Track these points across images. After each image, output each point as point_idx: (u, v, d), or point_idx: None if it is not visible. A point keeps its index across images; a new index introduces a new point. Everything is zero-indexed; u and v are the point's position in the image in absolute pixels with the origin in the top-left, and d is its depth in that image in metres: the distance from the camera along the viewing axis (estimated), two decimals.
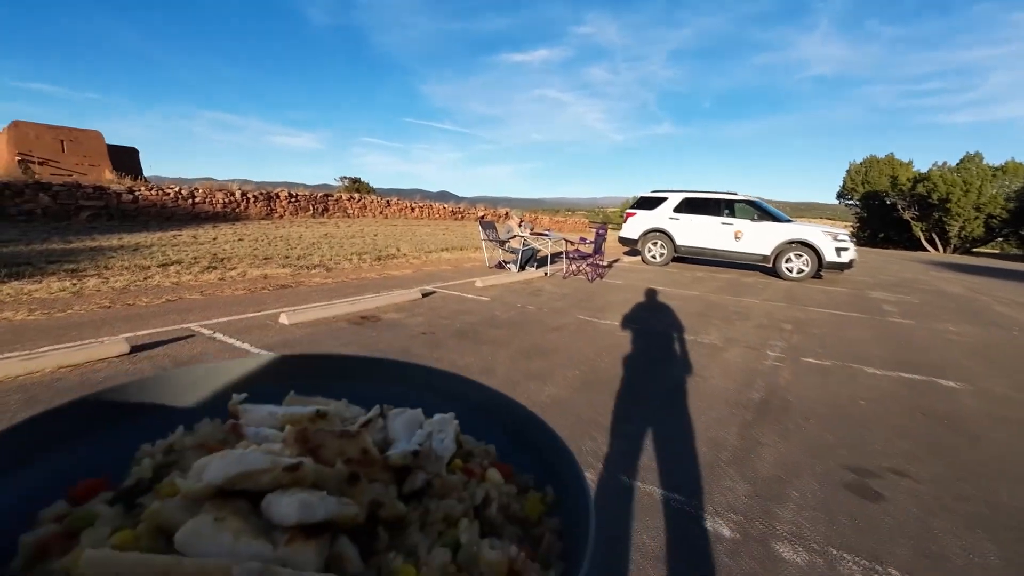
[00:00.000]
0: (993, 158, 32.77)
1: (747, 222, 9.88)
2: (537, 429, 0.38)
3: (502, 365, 3.32)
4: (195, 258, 7.06)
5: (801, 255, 9.25)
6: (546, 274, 7.83)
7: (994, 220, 32.84)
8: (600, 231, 7.70)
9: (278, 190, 15.01)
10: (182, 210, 12.13)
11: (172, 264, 6.46)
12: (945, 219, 33.47)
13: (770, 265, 9.73)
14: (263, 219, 13.99)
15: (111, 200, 10.94)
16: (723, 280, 8.71)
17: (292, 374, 0.44)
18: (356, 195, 18.12)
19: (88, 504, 0.27)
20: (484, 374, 3.14)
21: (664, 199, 11.01)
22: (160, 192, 11.74)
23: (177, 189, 12.14)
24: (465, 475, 0.31)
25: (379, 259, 8.56)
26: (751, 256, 9.88)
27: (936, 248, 35.95)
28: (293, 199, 15.36)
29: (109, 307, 4.28)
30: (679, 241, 10.63)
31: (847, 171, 48.49)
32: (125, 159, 21.67)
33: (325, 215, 16.42)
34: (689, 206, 10.65)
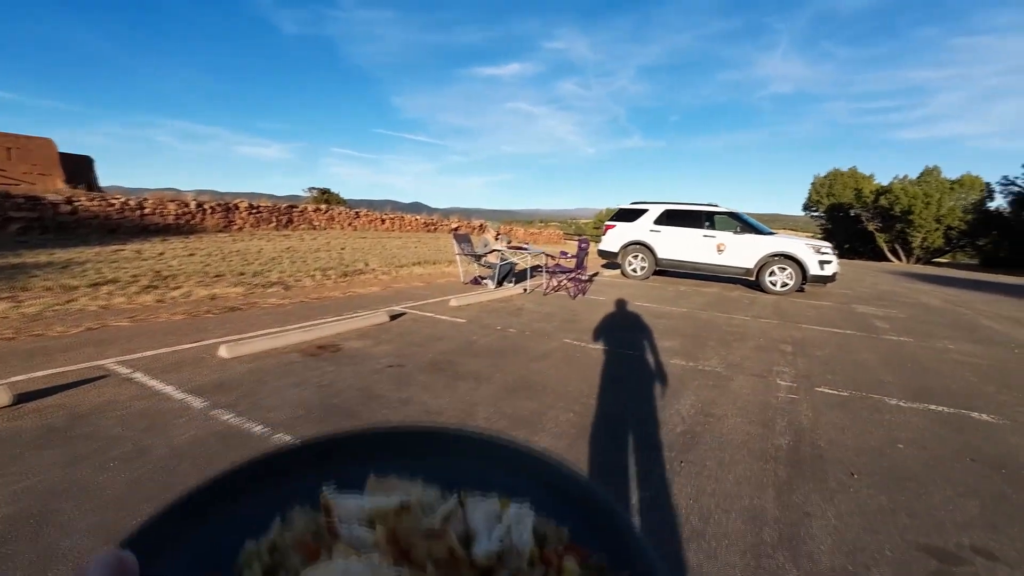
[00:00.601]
0: (945, 172, 34.27)
1: (729, 235, 9.68)
2: (598, 502, 0.37)
3: (483, 407, 2.83)
4: (134, 276, 6.33)
5: (785, 268, 9.08)
6: (525, 290, 7.38)
7: (953, 231, 34.24)
8: (582, 244, 7.32)
9: (237, 201, 14.17)
10: (129, 222, 11.22)
11: (105, 284, 5.73)
12: (908, 231, 34.72)
13: (753, 279, 9.53)
14: (220, 232, 13.14)
15: (46, 211, 9.99)
16: (708, 295, 8.43)
17: (362, 451, 0.42)
18: (323, 206, 17.36)
19: None
20: (463, 418, 2.64)
21: (644, 211, 10.75)
22: (103, 202, 10.83)
23: (123, 199, 11.23)
24: (542, 564, 0.30)
25: (345, 275, 7.96)
26: (734, 269, 9.67)
27: (899, 258, 37.22)
28: (254, 210, 14.54)
29: (12, 339, 3.60)
30: (660, 254, 10.36)
31: (812, 184, 50.11)
32: (79, 168, 20.31)
33: (289, 227, 15.62)
34: (670, 218, 10.42)
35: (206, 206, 13.07)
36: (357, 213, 19.05)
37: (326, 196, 29.81)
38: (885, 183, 40.02)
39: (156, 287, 5.85)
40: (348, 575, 0.26)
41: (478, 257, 7.92)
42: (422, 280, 8.21)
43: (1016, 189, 34.11)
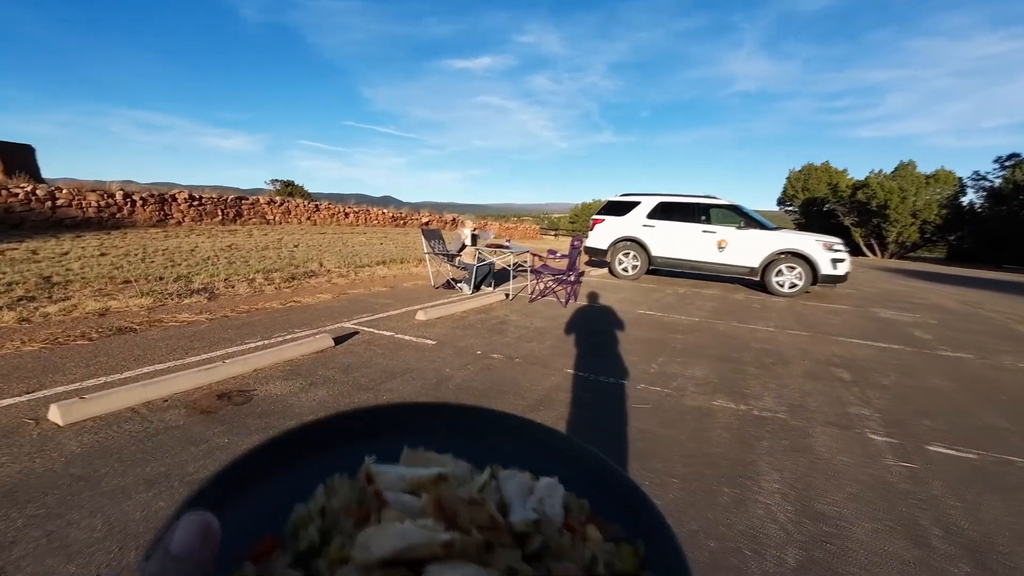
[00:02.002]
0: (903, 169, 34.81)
1: (732, 230, 8.83)
2: (615, 476, 0.39)
3: None
4: (10, 284, 5.00)
5: (794, 267, 8.29)
6: (508, 296, 6.33)
7: (928, 226, 34.74)
8: (575, 243, 6.30)
9: (175, 192, 12.59)
10: (36, 215, 9.62)
11: None
12: (883, 225, 35.08)
13: (757, 279, 8.72)
14: (153, 226, 11.61)
15: None
16: (713, 299, 7.55)
17: (388, 424, 0.44)
18: (278, 198, 15.85)
19: (272, 566, 0.29)
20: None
21: (636, 203, 9.82)
22: (4, 192, 9.23)
23: (30, 188, 9.62)
24: (568, 532, 0.32)
25: (292, 279, 6.74)
26: (736, 268, 8.84)
27: (875, 253, 37.69)
28: (195, 202, 13.00)
29: None
30: (654, 252, 9.46)
31: (787, 178, 50.57)
32: (18, 157, 18.16)
33: (238, 221, 14.12)
34: (665, 212, 9.51)
35: (136, 197, 11.49)
36: (317, 206, 17.57)
37: (289, 189, 28.07)
38: (858, 178, 40.51)
39: (32, 299, 4.56)
40: (407, 535, 0.27)
41: (451, 257, 6.82)
42: (385, 284, 7.05)
43: (987, 184, 34.87)
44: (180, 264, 7.18)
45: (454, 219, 25.52)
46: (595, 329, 4.84)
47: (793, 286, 8.29)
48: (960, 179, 34.90)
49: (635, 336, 4.65)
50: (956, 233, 35.33)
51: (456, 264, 6.84)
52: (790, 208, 50.22)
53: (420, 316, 4.78)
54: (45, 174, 18.13)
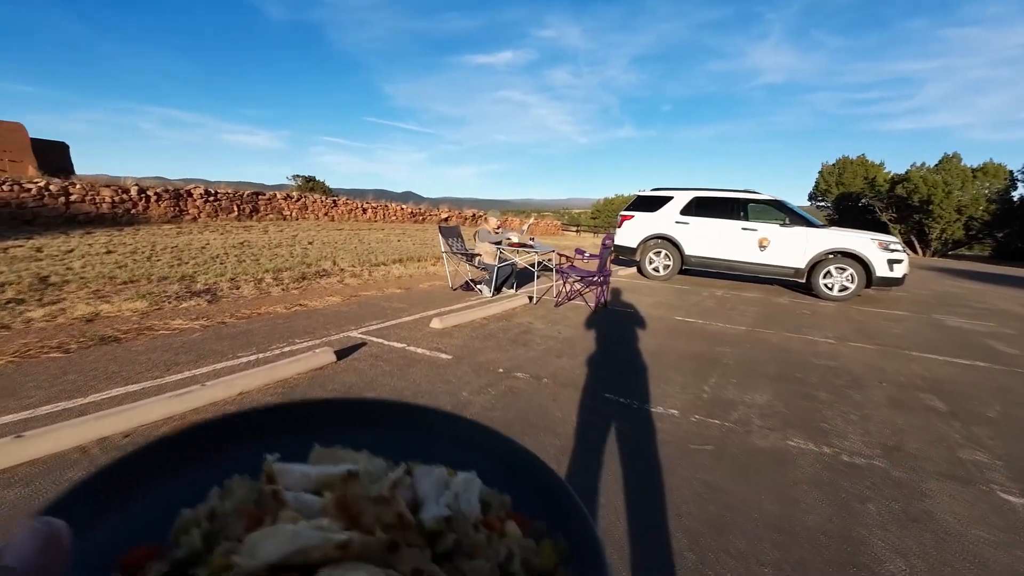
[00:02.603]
0: (930, 162, 33.09)
1: (774, 227, 8.16)
2: (538, 470, 0.38)
3: None
4: (2, 285, 4.72)
5: (845, 269, 7.59)
6: (532, 300, 5.84)
7: (975, 222, 32.94)
8: (606, 242, 5.76)
9: (191, 187, 12.42)
10: (49, 211, 9.50)
11: None
12: (926, 221, 33.42)
13: (803, 280, 8.05)
14: (168, 223, 11.44)
15: None
16: (755, 302, 6.93)
17: (300, 421, 0.42)
18: (295, 193, 15.63)
19: None
20: None
21: (668, 199, 9.20)
22: (17, 187, 9.11)
23: (43, 184, 9.51)
24: (486, 529, 0.31)
25: (303, 279, 6.38)
26: (779, 269, 8.16)
27: (916, 251, 35.98)
28: (211, 198, 12.83)
29: None
30: (688, 250, 8.84)
31: (820, 172, 48.77)
32: (53, 155, 18.50)
33: (254, 217, 13.93)
34: (700, 207, 8.88)
35: (150, 192, 11.34)
36: (335, 201, 17.32)
37: (311, 184, 28.21)
38: (896, 172, 38.72)
39: (21, 301, 4.26)
40: (298, 538, 0.26)
41: (470, 256, 6.36)
42: (400, 284, 6.64)
43: None
44: (187, 263, 6.88)
45: (474, 215, 25.13)
46: (631, 340, 4.31)
47: (844, 289, 7.60)
48: (1011, 172, 32.99)
49: (678, 350, 4.11)
50: (1005, 230, 33.43)
51: (476, 264, 6.38)
52: (822, 203, 48.44)
53: (435, 324, 4.33)
54: (80, 170, 18.34)
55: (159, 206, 11.51)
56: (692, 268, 9.16)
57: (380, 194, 21.27)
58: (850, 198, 42.95)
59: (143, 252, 7.47)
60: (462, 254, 6.44)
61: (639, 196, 9.73)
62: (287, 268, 7.10)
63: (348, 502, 0.28)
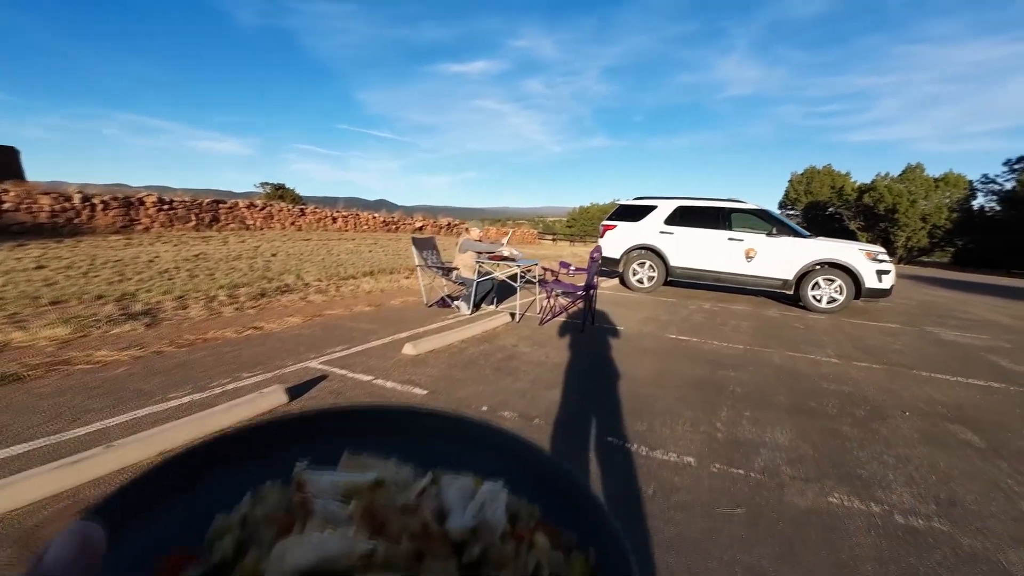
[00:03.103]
0: (893, 171, 34.36)
1: (761, 237, 7.96)
2: (568, 481, 0.38)
3: None
4: None
5: (833, 280, 7.42)
6: (514, 317, 5.41)
7: (938, 230, 34.12)
8: (594, 256, 5.39)
9: (143, 195, 11.60)
10: None
11: None
12: (892, 230, 34.44)
13: (791, 292, 7.85)
14: (116, 233, 10.60)
15: None
16: (745, 316, 6.66)
17: (328, 429, 0.42)
18: (259, 201, 14.87)
19: None
20: None
21: (652, 208, 8.94)
22: None
23: None
24: (514, 540, 0.31)
25: (261, 296, 5.81)
26: (767, 281, 7.95)
27: None
28: (166, 206, 12.02)
29: None
30: (673, 261, 8.57)
31: (790, 181, 50.05)
32: (1, 160, 17.15)
33: (214, 227, 13.13)
34: (684, 217, 8.63)
35: (96, 200, 10.49)
36: (303, 210, 16.59)
37: (280, 192, 27.44)
38: (860, 181, 39.90)
39: None
40: (323, 547, 0.26)
41: (447, 271, 5.91)
42: (370, 301, 6.12)
43: (996, 187, 34.35)
44: (130, 279, 6.22)
45: (449, 224, 24.60)
46: (628, 365, 3.92)
47: (832, 301, 7.42)
48: (970, 182, 34.37)
49: (679, 375, 3.74)
50: (965, 238, 34.73)
51: (453, 279, 5.92)
52: (792, 212, 49.68)
53: (408, 350, 3.85)
54: (36, 177, 17.10)
55: (106, 215, 10.66)
56: (678, 279, 8.90)
57: (353, 202, 20.57)
58: (818, 207, 44.12)
59: (79, 267, 6.76)
60: (438, 268, 5.98)
61: (621, 205, 9.44)
62: (245, 284, 6.50)
63: (375, 511, 0.29)
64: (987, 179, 35.11)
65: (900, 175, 35.72)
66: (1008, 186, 32.97)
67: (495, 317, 5.20)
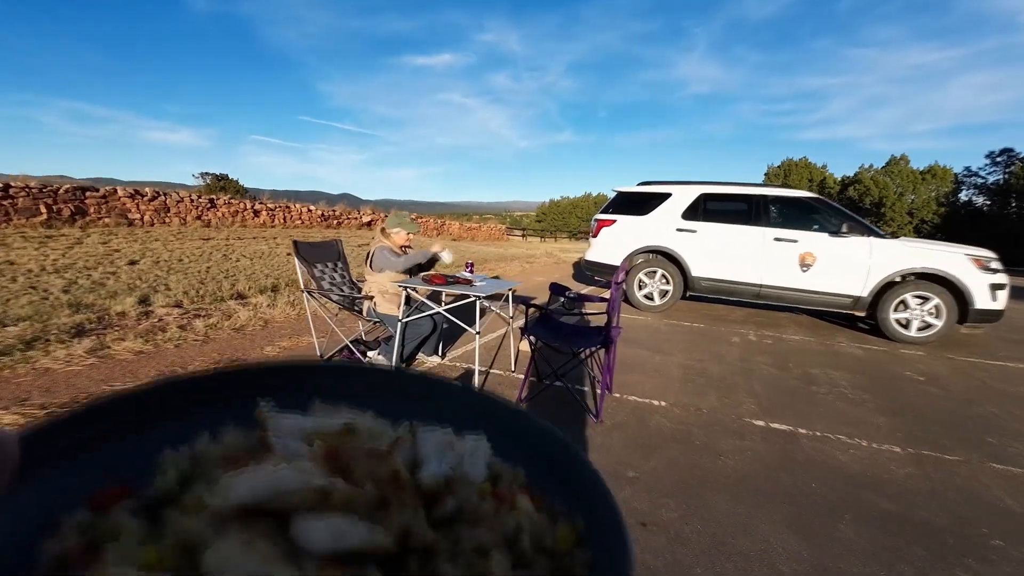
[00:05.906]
0: (836, 172, 33.93)
1: (822, 237, 5.87)
2: (565, 453, 0.37)
3: None
4: None
5: (928, 298, 5.39)
6: (476, 379, 3.07)
7: (926, 225, 33.65)
8: (618, 280, 3.04)
9: None
10: None
11: None
12: (878, 224, 33.81)
13: (863, 313, 5.81)
14: None
15: None
16: (821, 356, 4.54)
17: (314, 385, 0.40)
18: (147, 191, 11.95)
19: (111, 514, 0.26)
20: None
21: (665, 196, 6.73)
22: None
23: None
24: (495, 500, 0.30)
25: (38, 341, 3.29)
26: (830, 298, 5.86)
27: None
28: (4, 197, 9.11)
29: None
30: (696, 270, 6.41)
31: (766, 174, 49.39)
32: None
33: (77, 223, 10.22)
34: (710, 209, 6.48)
35: None
36: (212, 201, 13.70)
37: (223, 184, 25.31)
38: (839, 175, 39.33)
39: None
40: (275, 478, 0.24)
41: (351, 301, 3.53)
42: (235, 346, 3.67)
43: (979, 181, 34.17)
44: None
45: (371, 222, 20.29)
46: (690, 512, 1.65)
47: (926, 327, 5.41)
48: (956, 175, 34.02)
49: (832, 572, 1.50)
50: (954, 233, 34.52)
51: (365, 314, 3.53)
52: None
53: None
54: None
55: None
56: (701, 294, 6.72)
57: (316, 196, 17.90)
58: None
59: None
60: (340, 295, 3.57)
61: (620, 193, 7.21)
62: (27, 317, 3.95)
63: (339, 452, 0.27)
64: (970, 172, 35.01)
65: (884, 167, 35.15)
66: (992, 179, 32.83)
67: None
